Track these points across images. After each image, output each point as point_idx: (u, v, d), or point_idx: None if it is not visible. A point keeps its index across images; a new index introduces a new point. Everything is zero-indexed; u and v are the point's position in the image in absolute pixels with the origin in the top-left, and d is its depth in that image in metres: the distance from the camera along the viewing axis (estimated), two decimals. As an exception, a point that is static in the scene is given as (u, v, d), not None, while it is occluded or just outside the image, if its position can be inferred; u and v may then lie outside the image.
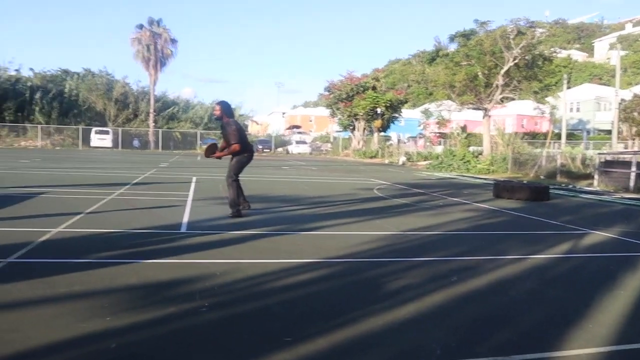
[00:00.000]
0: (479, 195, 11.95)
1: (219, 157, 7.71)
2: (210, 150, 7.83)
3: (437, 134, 43.14)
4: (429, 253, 5.38)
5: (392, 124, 42.61)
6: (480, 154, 25.78)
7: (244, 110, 53.99)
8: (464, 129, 35.30)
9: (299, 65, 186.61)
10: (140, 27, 45.33)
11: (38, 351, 2.62)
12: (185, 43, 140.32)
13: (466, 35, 27.24)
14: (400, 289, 4.01)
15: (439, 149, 34.19)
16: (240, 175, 7.58)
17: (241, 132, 7.52)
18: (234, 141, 7.29)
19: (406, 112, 47.68)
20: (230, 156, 7.58)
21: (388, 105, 39.64)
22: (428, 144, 40.95)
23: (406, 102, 44.85)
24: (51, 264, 4.36)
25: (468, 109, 29.86)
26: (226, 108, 7.56)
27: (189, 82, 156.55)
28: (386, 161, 32.67)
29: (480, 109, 27.08)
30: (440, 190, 12.99)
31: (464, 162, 23.50)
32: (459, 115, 37.18)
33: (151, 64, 45.21)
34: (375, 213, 8.34)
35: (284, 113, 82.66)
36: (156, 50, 45.13)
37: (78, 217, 6.75)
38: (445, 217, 8.10)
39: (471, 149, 28.36)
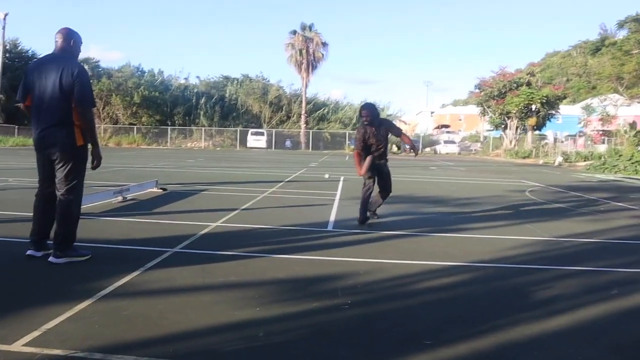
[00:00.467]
0: (650, 201, 10.71)
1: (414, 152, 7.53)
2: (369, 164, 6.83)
3: (600, 132, 39.38)
4: (585, 262, 4.96)
5: (548, 122, 39.76)
6: (654, 153, 23.04)
7: (392, 110, 54.04)
8: (633, 125, 31.73)
9: (448, 63, 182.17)
10: (294, 32, 47.62)
11: (199, 332, 2.91)
12: (335, 45, 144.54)
13: (639, 20, 24.47)
14: (550, 298, 3.77)
15: (601, 149, 31.20)
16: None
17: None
18: (397, 132, 7.01)
19: (564, 109, 44.16)
20: (380, 158, 6.91)
21: (544, 101, 37.08)
22: (589, 142, 37.50)
23: (565, 97, 41.64)
24: (210, 255, 4.79)
25: (639, 102, 26.82)
26: (374, 112, 6.93)
27: (339, 84, 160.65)
28: (540, 162, 30.60)
29: (654, 103, 24.21)
30: (601, 194, 11.87)
31: (632, 163, 21.14)
32: (627, 110, 33.61)
33: (303, 68, 47.24)
34: (527, 217, 7.88)
35: (432, 112, 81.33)
36: (308, 54, 47.06)
37: (234, 212, 7.31)
38: (607, 224, 7.40)
39: (642, 148, 25.47)
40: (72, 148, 4.20)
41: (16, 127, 42.90)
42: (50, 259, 4.16)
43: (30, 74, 4.25)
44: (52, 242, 4.28)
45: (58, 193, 4.24)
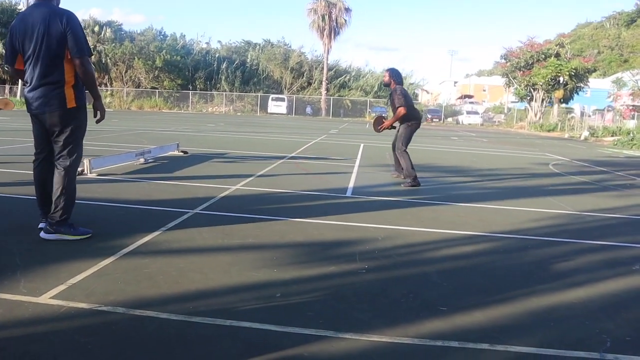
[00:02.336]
0: (677, 178, 10.48)
1: (389, 127, 7.71)
2: (378, 123, 7.83)
3: (631, 107, 38.40)
4: (608, 237, 4.89)
5: (575, 95, 38.85)
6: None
7: (414, 79, 53.39)
8: (665, 101, 30.88)
9: (474, 32, 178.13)
10: (317, -3, 46.84)
11: (217, 291, 2.97)
12: (359, 12, 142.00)
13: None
14: (570, 271, 3.74)
15: (631, 124, 30.47)
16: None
17: (408, 97, 7.40)
18: (399, 104, 7.20)
19: (594, 82, 43.11)
20: (398, 125, 7.57)
21: (572, 74, 36.14)
22: (618, 117, 36.61)
23: (594, 70, 40.62)
24: (230, 217, 4.83)
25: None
26: (395, 74, 7.49)
27: (361, 51, 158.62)
28: (566, 135, 30.03)
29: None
30: (628, 170, 11.64)
31: (662, 140, 20.64)
32: (659, 85, 32.60)
33: (325, 34, 46.66)
34: (549, 190, 7.79)
35: (455, 82, 79.95)
36: (330, 19, 46.40)
37: (254, 176, 7.35)
38: (632, 200, 7.27)
39: (673, 124, 24.79)
40: (64, 111, 3.72)
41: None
42: (41, 234, 3.79)
43: (17, 31, 3.71)
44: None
45: (55, 160, 3.82)
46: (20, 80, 4.00)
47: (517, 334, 2.61)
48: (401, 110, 7.21)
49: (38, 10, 3.67)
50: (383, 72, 7.93)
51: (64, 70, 3.70)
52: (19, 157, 8.26)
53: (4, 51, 3.97)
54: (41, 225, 3.93)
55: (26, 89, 3.83)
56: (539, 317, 2.86)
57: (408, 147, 7.47)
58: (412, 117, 7.42)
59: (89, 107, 3.90)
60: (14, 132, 13.19)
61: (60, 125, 3.75)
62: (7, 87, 42.60)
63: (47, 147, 3.89)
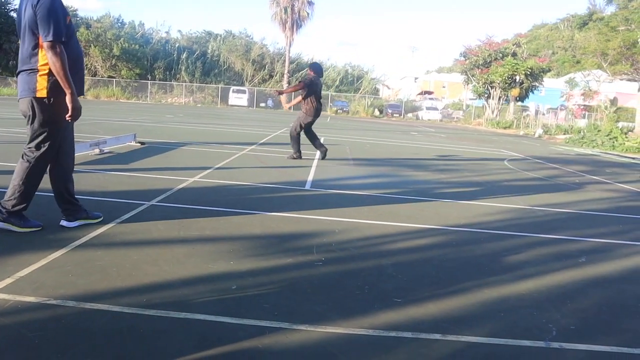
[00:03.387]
0: (623, 176, 10.92)
1: (283, 101, 9.67)
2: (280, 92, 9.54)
3: (582, 107, 39.79)
4: (557, 231, 5.07)
5: (531, 94, 39.87)
6: (631, 130, 23.40)
7: (375, 74, 53.73)
8: (613, 101, 32.11)
9: (434, 30, 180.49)
10: (279, -11, 46.53)
11: (172, 283, 2.93)
12: (321, 5, 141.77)
13: (628, -4, 24.51)
14: (520, 264, 3.86)
15: (581, 123, 31.53)
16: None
17: (313, 89, 8.82)
18: (304, 94, 8.85)
19: (548, 82, 44.35)
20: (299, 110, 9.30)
21: (528, 73, 37.08)
22: (570, 116, 37.87)
23: (549, 70, 41.70)
24: (186, 209, 4.77)
25: (621, 80, 27.08)
26: (314, 67, 9.08)
27: (323, 45, 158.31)
28: (521, 133, 30.85)
29: (635, 81, 24.43)
30: (578, 167, 12.07)
31: (610, 139, 21.42)
32: (608, 86, 33.91)
33: (288, 26, 46.46)
34: (503, 185, 8.00)
35: (416, 78, 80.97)
36: (293, 12, 46.22)
37: (212, 169, 7.28)
38: (581, 196, 7.55)
39: (620, 124, 25.81)
40: (34, 100, 3.49)
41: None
42: None
43: (18, 11, 3.59)
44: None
45: (24, 149, 3.67)
46: None
47: (468, 324, 2.68)
48: (299, 98, 9.00)
49: None
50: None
51: (39, 57, 3.45)
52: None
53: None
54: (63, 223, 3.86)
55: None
56: (489, 307, 2.94)
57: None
58: (316, 107, 9.04)
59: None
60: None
61: (29, 114, 3.54)
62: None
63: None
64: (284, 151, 10.35)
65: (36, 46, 3.45)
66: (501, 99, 39.90)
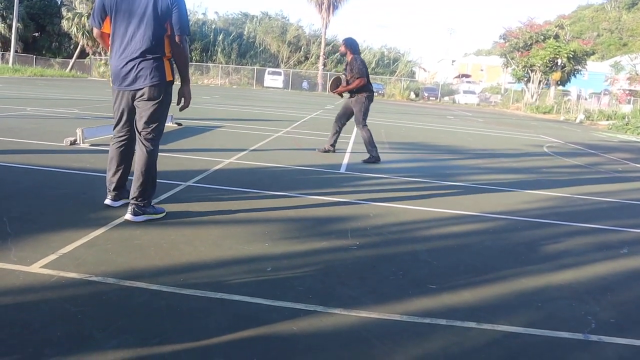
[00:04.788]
0: (669, 163, 10.53)
1: (340, 94, 7.66)
2: (335, 84, 7.75)
3: (627, 92, 38.36)
4: (598, 220, 4.93)
5: (573, 78, 38.69)
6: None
7: (412, 57, 53.01)
8: (661, 86, 30.83)
9: (473, 11, 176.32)
10: (316, -30, 46.13)
11: (208, 264, 2.98)
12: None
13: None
14: (559, 253, 3.77)
15: (626, 109, 30.47)
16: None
17: (365, 68, 7.41)
18: (358, 74, 7.19)
19: (592, 65, 42.92)
20: (349, 96, 7.55)
21: (571, 56, 35.92)
22: (614, 101, 36.60)
23: (593, 53, 40.36)
24: (222, 190, 4.83)
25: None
26: (351, 44, 7.46)
27: (360, 27, 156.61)
28: (561, 118, 30.03)
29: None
30: (621, 154, 11.69)
31: (656, 125, 20.68)
32: (657, 70, 32.51)
33: (324, 8, 46.09)
34: (542, 172, 7.82)
35: (453, 61, 79.43)
36: (330, -7, 45.74)
37: (248, 150, 7.33)
38: (625, 185, 7.31)
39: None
40: (162, 84, 3.61)
41: (34, 56, 43.08)
42: (128, 216, 3.62)
43: None
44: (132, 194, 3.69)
45: (139, 137, 3.67)
46: (102, 48, 3.83)
47: (504, 314, 2.65)
48: (361, 81, 7.20)
49: None
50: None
51: (164, 43, 3.58)
52: (8, 125, 8.19)
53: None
54: (107, 201, 3.91)
55: (117, 61, 3.60)
56: (526, 297, 2.89)
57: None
58: (367, 89, 7.41)
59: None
60: (6, 100, 13.05)
61: (154, 98, 3.60)
62: (0, 53, 42.13)
63: (131, 125, 3.75)
64: (320, 134, 10.34)
65: (161, 34, 3.54)
66: (541, 83, 38.85)
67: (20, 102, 12.60)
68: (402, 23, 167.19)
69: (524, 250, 3.79)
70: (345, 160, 7.20)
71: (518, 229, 4.36)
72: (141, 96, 3.60)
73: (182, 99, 3.84)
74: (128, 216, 3.63)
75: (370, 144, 7.30)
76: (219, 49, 47.28)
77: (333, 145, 7.75)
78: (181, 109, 3.91)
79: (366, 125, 7.42)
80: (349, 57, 7.39)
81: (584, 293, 3.03)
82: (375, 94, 7.66)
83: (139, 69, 3.55)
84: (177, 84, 3.82)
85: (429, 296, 2.78)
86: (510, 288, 3.00)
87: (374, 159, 7.25)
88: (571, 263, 3.55)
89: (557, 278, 3.23)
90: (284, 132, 10.24)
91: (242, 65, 47.33)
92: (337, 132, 7.76)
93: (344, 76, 7.49)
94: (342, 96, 7.86)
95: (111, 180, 3.88)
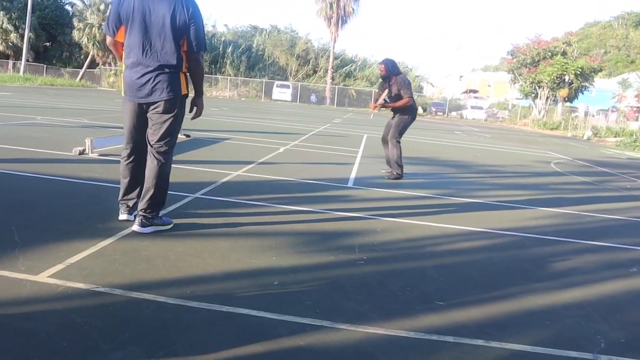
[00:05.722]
0: (678, 181, 10.46)
1: (385, 106, 7.43)
2: (380, 95, 7.45)
3: (635, 108, 38.21)
4: (607, 238, 4.90)
5: (580, 94, 38.61)
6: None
7: (419, 72, 53.15)
8: (670, 104, 30.73)
9: (481, 27, 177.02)
10: (325, -16, 46.49)
11: (215, 276, 2.97)
12: (366, 1, 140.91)
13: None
14: (567, 271, 3.74)
15: (634, 126, 30.34)
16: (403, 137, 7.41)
17: (410, 88, 7.21)
18: (406, 94, 7.03)
19: (599, 82, 42.80)
20: (392, 114, 7.41)
21: (578, 73, 35.89)
22: (622, 118, 36.47)
23: (600, 70, 40.30)
24: (230, 202, 4.84)
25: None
26: (391, 66, 7.28)
27: (368, 41, 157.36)
28: (569, 134, 29.96)
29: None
30: (630, 172, 11.63)
31: (666, 143, 20.55)
32: (665, 88, 32.42)
33: (333, 22, 46.34)
34: (550, 188, 7.78)
35: (461, 76, 79.62)
36: (338, 7, 46.05)
37: (256, 163, 7.34)
38: (633, 203, 7.27)
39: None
40: (178, 98, 3.61)
41: (45, 66, 43.54)
42: (135, 227, 3.63)
43: (129, 3, 3.51)
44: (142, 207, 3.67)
45: (152, 150, 3.64)
46: (116, 57, 3.77)
47: (513, 332, 2.62)
48: (408, 100, 7.07)
49: None
50: (378, 64, 7.53)
51: (181, 57, 3.58)
52: (18, 133, 8.25)
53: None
54: (123, 217, 3.83)
55: (132, 72, 3.57)
56: (534, 315, 2.86)
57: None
58: (413, 108, 7.30)
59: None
60: (16, 108, 13.16)
61: (169, 111, 3.59)
62: (11, 62, 42.63)
63: (144, 139, 3.70)
64: (327, 148, 10.36)
65: (177, 47, 3.54)
66: (549, 99, 38.82)
67: (31, 111, 12.71)
68: (409, 38, 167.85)
69: (532, 267, 3.76)
70: (353, 175, 7.20)
71: (525, 246, 4.34)
72: (156, 109, 3.59)
73: (195, 109, 3.87)
74: (136, 227, 3.63)
75: (397, 161, 7.19)
76: (228, 61, 47.59)
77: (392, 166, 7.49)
78: (192, 118, 3.93)
79: (399, 142, 7.32)
80: (393, 78, 7.20)
81: (593, 312, 3.00)
82: (383, 108, 7.55)
83: (155, 82, 3.53)
84: (190, 94, 3.84)
85: (437, 312, 2.76)
86: (518, 305, 2.98)
87: (397, 175, 7.15)
88: (580, 281, 3.52)
89: (565, 296, 3.20)
90: (292, 145, 10.27)
91: (250, 77, 47.60)
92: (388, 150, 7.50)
93: (384, 93, 7.32)
94: (385, 108, 7.54)
95: (127, 197, 3.85)
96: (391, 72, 7.23)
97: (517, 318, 2.81)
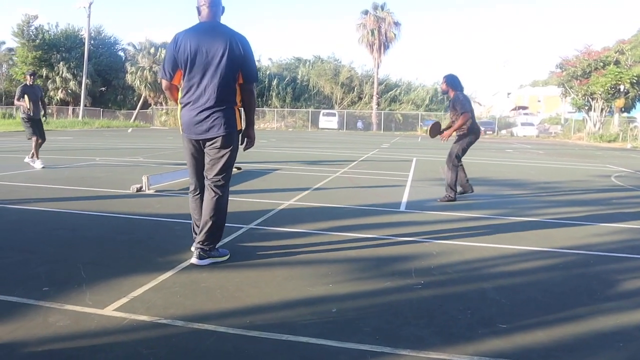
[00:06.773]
0: None
1: (447, 137, 7.25)
2: (435, 130, 7.41)
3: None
4: (678, 252, 4.63)
5: (638, 103, 37.17)
6: None
7: (466, 91, 52.55)
8: None
9: (527, 42, 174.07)
10: (365, 12, 47.22)
11: (273, 305, 2.99)
12: (408, 25, 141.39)
13: None
14: (638, 289, 3.56)
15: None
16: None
17: (469, 104, 7.00)
18: (462, 110, 6.82)
19: (658, 90, 41.05)
20: (455, 136, 7.24)
21: (634, 81, 34.60)
22: (685, 127, 34.78)
23: (659, 77, 38.65)
24: (284, 232, 4.88)
25: None
26: (452, 80, 7.07)
27: (412, 64, 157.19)
28: (628, 146, 28.78)
29: None
30: (698, 181, 11.01)
31: None
32: None
33: (375, 48, 46.77)
34: (612, 203, 7.46)
35: (509, 93, 78.23)
36: (380, 34, 46.49)
37: (307, 191, 7.40)
38: None
39: None
40: (234, 133, 3.72)
41: (101, 109, 45.74)
42: (194, 260, 3.71)
43: (185, 46, 3.60)
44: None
45: (209, 184, 3.75)
46: (169, 99, 3.95)
47: (583, 355, 2.50)
48: (466, 116, 6.84)
49: (214, 29, 3.65)
50: (435, 84, 7.51)
51: (235, 92, 3.72)
52: (80, 174, 8.63)
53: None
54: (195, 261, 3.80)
55: (190, 110, 3.69)
56: (606, 337, 2.73)
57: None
58: (472, 129, 7.06)
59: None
60: (77, 151, 13.82)
61: (227, 146, 3.70)
62: (71, 108, 44.95)
63: (203, 177, 3.85)
64: (377, 173, 10.34)
65: (233, 83, 3.67)
66: (604, 111, 37.52)
67: (90, 153, 13.33)
68: (455, 57, 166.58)
69: (599, 286, 3.59)
70: (405, 198, 7.14)
71: (590, 264, 4.16)
72: (213, 144, 3.69)
73: (247, 140, 3.92)
74: (194, 260, 3.72)
75: (452, 184, 7.02)
76: (274, 94, 48.60)
77: (467, 181, 7.41)
78: (245, 149, 3.98)
79: (456, 166, 7.09)
80: (451, 94, 7.03)
81: (670, 331, 2.83)
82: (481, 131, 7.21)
83: (213, 118, 3.63)
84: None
85: (500, 336, 2.67)
86: (587, 327, 2.85)
87: (450, 198, 6.97)
88: (653, 299, 3.34)
89: (637, 316, 3.04)
90: (342, 172, 10.31)
91: (296, 108, 48.38)
92: (461, 171, 7.34)
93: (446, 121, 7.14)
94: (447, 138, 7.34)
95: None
96: (450, 86, 7.03)
97: (586, 340, 2.68)
